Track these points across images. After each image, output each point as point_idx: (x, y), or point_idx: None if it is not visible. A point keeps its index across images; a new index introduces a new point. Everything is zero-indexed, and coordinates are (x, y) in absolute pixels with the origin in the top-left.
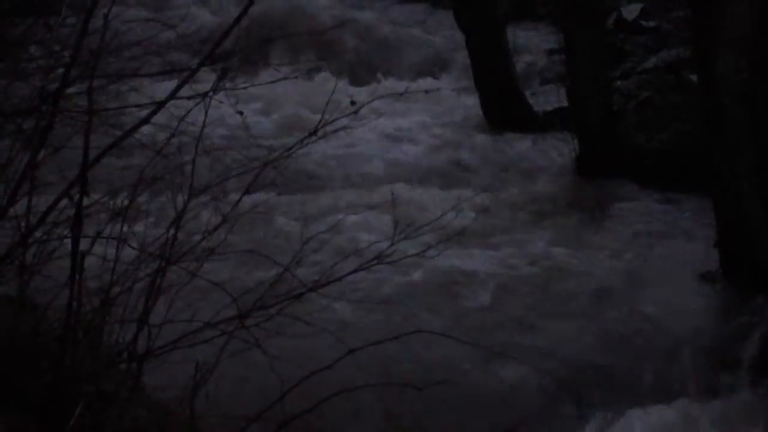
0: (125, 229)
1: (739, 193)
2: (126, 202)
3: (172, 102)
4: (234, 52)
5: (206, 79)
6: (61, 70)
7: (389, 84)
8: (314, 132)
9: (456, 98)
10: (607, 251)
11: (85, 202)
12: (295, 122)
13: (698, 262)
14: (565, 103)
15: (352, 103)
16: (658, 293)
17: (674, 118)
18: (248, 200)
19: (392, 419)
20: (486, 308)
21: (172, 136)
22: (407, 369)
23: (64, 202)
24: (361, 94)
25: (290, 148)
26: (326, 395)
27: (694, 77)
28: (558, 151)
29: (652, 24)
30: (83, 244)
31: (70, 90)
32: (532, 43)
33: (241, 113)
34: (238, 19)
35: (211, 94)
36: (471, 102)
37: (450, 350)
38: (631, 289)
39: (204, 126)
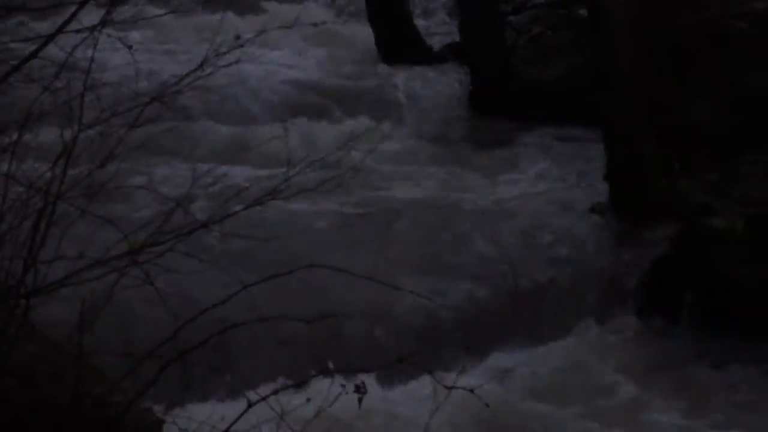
0: (13, 165)
1: (631, 130)
2: (14, 137)
3: (61, 36)
4: None
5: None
6: None
7: (277, 15)
8: (201, 66)
9: (349, 31)
10: (498, 185)
11: None
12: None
13: (588, 194)
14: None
15: (237, 37)
16: (548, 225)
17: (566, 53)
18: (138, 135)
19: (284, 353)
20: (379, 243)
21: (60, 70)
22: (301, 304)
23: None
24: (248, 26)
25: (177, 82)
26: (219, 331)
27: (585, 13)
28: (452, 85)
29: None
30: None
31: None
32: None
33: (130, 47)
34: None
35: (99, 27)
36: (364, 35)
37: (344, 285)
38: (521, 222)
39: (92, 60)
